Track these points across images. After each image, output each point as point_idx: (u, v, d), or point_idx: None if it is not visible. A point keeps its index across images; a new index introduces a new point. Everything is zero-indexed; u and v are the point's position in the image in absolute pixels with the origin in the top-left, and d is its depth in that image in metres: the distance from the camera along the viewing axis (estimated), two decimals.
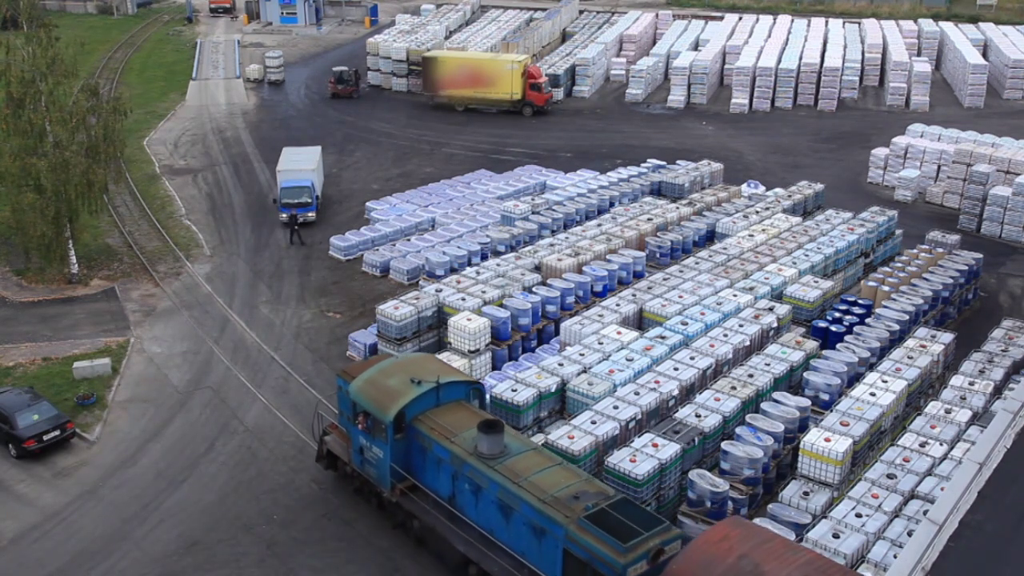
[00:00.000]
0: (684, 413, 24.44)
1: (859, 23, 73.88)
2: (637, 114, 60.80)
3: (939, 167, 46.14)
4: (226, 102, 61.85)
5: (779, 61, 62.40)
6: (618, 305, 30.17)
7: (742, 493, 22.57)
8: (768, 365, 26.57)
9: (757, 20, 75.11)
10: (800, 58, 62.71)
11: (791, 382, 26.86)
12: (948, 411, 24.69)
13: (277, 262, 38.95)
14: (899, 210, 39.95)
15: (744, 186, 43.36)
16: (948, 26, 71.22)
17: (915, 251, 35.14)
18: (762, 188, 43.14)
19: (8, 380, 30.06)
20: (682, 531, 20.02)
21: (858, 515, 21.09)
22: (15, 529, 23.98)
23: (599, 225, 37.01)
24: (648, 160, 47.17)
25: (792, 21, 73.80)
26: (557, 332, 30.40)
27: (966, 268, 33.52)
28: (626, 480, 21.97)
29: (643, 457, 22.41)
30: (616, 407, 24.36)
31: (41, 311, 34.91)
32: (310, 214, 42.01)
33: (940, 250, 35.35)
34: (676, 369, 26.22)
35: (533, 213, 38.59)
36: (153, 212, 43.70)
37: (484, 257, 35.65)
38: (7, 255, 38.67)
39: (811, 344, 28.04)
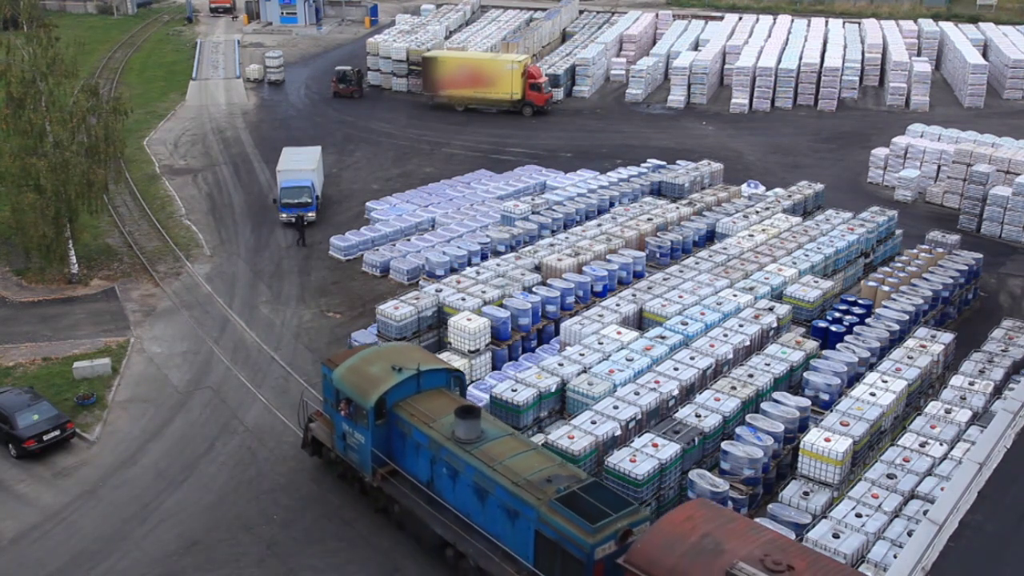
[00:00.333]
0: (684, 413, 24.45)
1: (859, 23, 73.89)
2: (637, 114, 60.80)
3: (939, 167, 46.15)
4: (226, 102, 61.86)
5: (779, 61, 62.41)
6: (618, 305, 30.18)
7: (742, 493, 22.57)
8: (768, 365, 26.57)
9: (757, 20, 75.13)
10: (800, 58, 62.72)
11: (791, 382, 26.87)
12: (948, 411, 24.70)
13: (277, 262, 38.96)
14: (899, 210, 39.96)
15: (744, 186, 43.37)
16: (948, 26, 71.23)
17: (915, 251, 35.15)
18: (762, 188, 43.15)
19: (8, 380, 30.07)
20: (650, 513, 20.31)
21: (858, 515, 21.09)
22: (15, 529, 23.98)
23: (599, 225, 37.02)
24: (648, 160, 47.18)
25: (792, 21, 73.82)
26: (557, 332, 30.40)
27: (966, 268, 33.52)
28: (626, 480, 21.97)
29: (643, 457, 22.41)
30: (616, 407, 24.37)
31: (41, 311, 34.91)
32: (310, 214, 42.00)
33: (940, 250, 35.35)
34: (676, 369, 26.22)
35: (533, 213, 38.59)
36: (153, 212, 43.71)
37: (484, 257, 35.66)
38: (7, 255, 38.67)
39: (811, 344, 28.05)
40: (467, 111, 59.85)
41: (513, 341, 29.78)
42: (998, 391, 25.79)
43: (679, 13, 79.20)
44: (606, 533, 18.61)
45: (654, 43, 72.74)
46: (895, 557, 18.92)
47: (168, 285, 36.80)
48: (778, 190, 42.38)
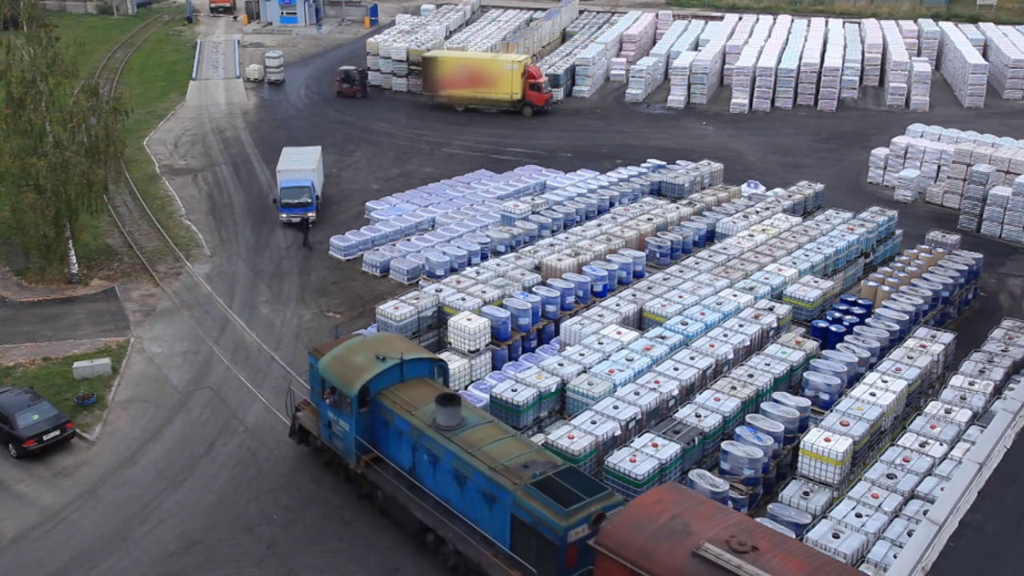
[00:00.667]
0: (684, 413, 24.45)
1: (859, 23, 73.88)
2: (637, 114, 60.80)
3: (939, 167, 46.15)
4: (226, 102, 61.85)
5: (779, 61, 62.40)
6: (618, 305, 30.18)
7: (742, 493, 22.58)
8: (768, 365, 26.58)
9: (757, 20, 75.12)
10: (800, 58, 62.71)
11: (791, 382, 26.87)
12: (948, 411, 24.70)
13: (277, 262, 38.96)
14: (899, 210, 39.97)
15: (744, 186, 43.37)
16: (948, 26, 71.22)
17: (915, 251, 35.15)
18: (762, 188, 43.14)
19: (8, 380, 30.06)
20: (624, 498, 20.56)
21: (858, 515, 21.10)
22: (15, 529, 23.98)
23: (599, 225, 37.02)
24: (648, 160, 47.18)
25: (792, 21, 73.81)
26: (557, 332, 30.40)
27: (966, 268, 33.53)
28: (626, 480, 21.98)
29: (643, 457, 22.41)
30: (616, 407, 24.37)
31: (41, 311, 34.91)
32: (310, 214, 42.00)
33: (940, 250, 35.36)
34: (676, 369, 26.23)
35: (533, 213, 38.59)
36: (153, 212, 43.70)
37: (484, 257, 35.66)
38: (7, 255, 38.66)
39: (811, 344, 28.05)
40: (467, 111, 59.84)
41: (513, 341, 29.78)
42: (998, 391, 25.79)
43: (679, 13, 79.19)
44: (579, 516, 19.08)
45: (654, 43, 72.73)
46: (895, 557, 18.93)
47: (168, 285, 36.80)
48: (778, 190, 42.38)
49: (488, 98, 59.28)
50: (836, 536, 20.48)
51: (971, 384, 25.89)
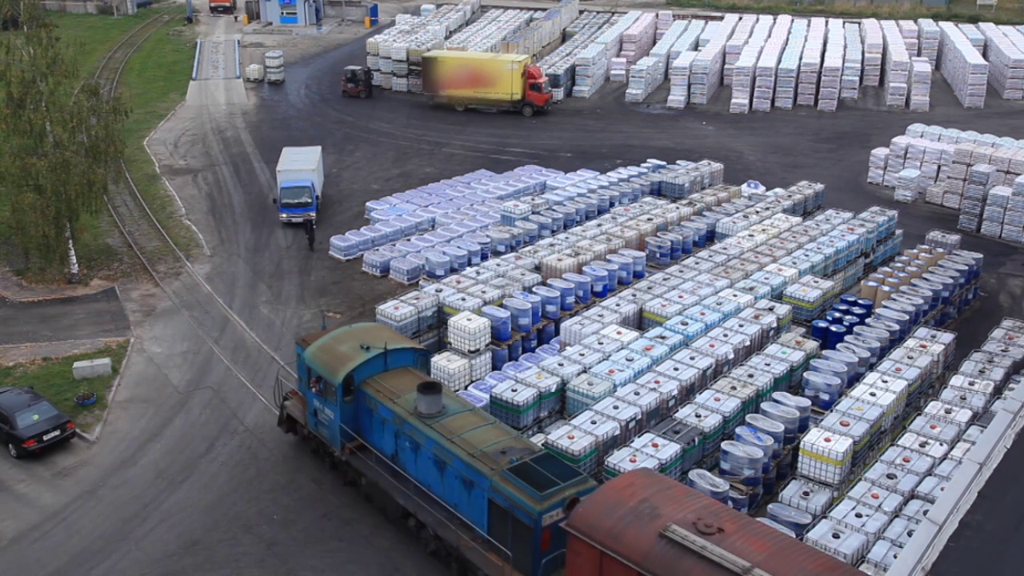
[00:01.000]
0: (684, 413, 24.45)
1: (859, 23, 73.88)
2: (637, 114, 60.80)
3: (939, 167, 46.15)
4: (226, 102, 61.86)
5: (779, 61, 62.40)
6: (618, 305, 30.18)
7: (742, 493, 22.58)
8: (768, 365, 26.58)
9: (757, 20, 75.11)
10: (800, 58, 62.72)
11: (791, 382, 26.87)
12: (948, 411, 24.70)
13: (277, 262, 38.96)
14: (899, 210, 39.99)
15: (744, 186, 43.37)
16: (948, 26, 71.22)
17: (915, 251, 35.15)
18: (762, 188, 43.15)
19: (8, 380, 30.06)
20: (597, 483, 20.79)
21: (858, 515, 21.10)
22: (15, 529, 23.99)
23: (599, 225, 37.02)
24: (648, 160, 47.17)
25: (792, 21, 73.81)
26: (557, 332, 30.40)
27: (966, 268, 33.53)
28: None
29: (643, 457, 22.40)
30: (616, 407, 24.37)
31: (41, 311, 34.91)
32: (310, 214, 42.00)
33: (940, 250, 35.36)
34: (676, 369, 26.22)
35: (533, 213, 38.59)
36: (153, 212, 43.71)
37: (484, 257, 35.66)
38: (7, 255, 38.67)
39: (811, 344, 28.05)
40: (467, 111, 59.85)
41: (513, 341, 29.78)
42: (998, 391, 25.79)
43: (679, 13, 79.18)
44: (553, 501, 19.53)
45: (654, 43, 72.74)
46: (895, 557, 18.94)
47: (168, 285, 36.80)
48: (778, 190, 42.39)
49: (488, 98, 59.29)
50: (836, 536, 20.49)
51: (971, 384, 25.88)
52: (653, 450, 22.69)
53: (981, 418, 24.33)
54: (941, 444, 23.38)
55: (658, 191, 42.77)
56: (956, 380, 26.28)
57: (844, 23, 73.93)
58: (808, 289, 31.25)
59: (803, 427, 24.47)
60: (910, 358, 27.07)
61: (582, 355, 27.16)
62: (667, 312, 29.54)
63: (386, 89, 65.38)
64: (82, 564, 22.83)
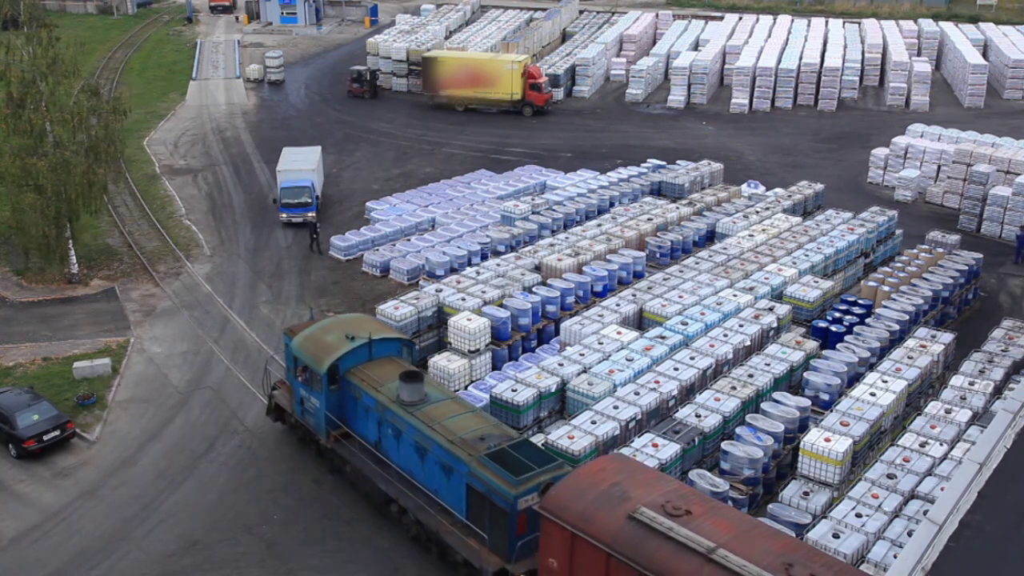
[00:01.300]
0: (684, 413, 24.45)
1: (859, 23, 73.87)
2: (637, 114, 60.80)
3: (939, 167, 46.14)
4: (226, 102, 61.85)
5: (779, 61, 62.38)
6: (618, 305, 30.18)
7: (742, 493, 22.58)
8: (768, 365, 26.58)
9: (757, 20, 75.10)
10: (800, 58, 62.71)
11: (791, 382, 26.87)
12: (948, 411, 24.70)
13: (277, 262, 38.96)
14: (899, 210, 39.99)
15: (744, 186, 43.37)
16: (948, 26, 71.20)
17: (915, 251, 35.15)
18: (762, 188, 43.14)
19: (8, 380, 30.06)
20: (572, 469, 21.03)
21: (858, 515, 21.10)
22: (15, 529, 23.98)
23: (599, 225, 37.02)
24: (648, 160, 47.17)
25: (792, 21, 73.79)
26: (557, 332, 30.40)
27: (966, 268, 33.53)
28: None
29: (643, 457, 22.39)
30: (616, 407, 24.37)
31: (41, 311, 34.91)
32: (310, 214, 42.00)
33: (940, 250, 35.36)
34: (676, 369, 26.23)
35: (533, 213, 38.59)
36: (153, 212, 43.71)
37: (484, 257, 35.65)
38: (7, 255, 38.67)
39: (811, 344, 28.05)
40: (467, 111, 59.84)
41: (513, 341, 29.78)
42: (998, 391, 25.79)
43: (679, 13, 79.17)
44: (529, 485, 19.99)
45: (654, 43, 72.71)
46: (895, 557, 18.94)
47: (168, 285, 36.80)
48: (778, 190, 42.39)
49: (488, 98, 59.29)
50: (836, 536, 20.49)
51: (971, 384, 25.88)
52: (653, 450, 22.69)
53: (981, 418, 24.33)
54: (941, 444, 23.38)
55: (658, 191, 42.77)
56: (956, 380, 26.28)
57: (844, 23, 73.91)
58: (808, 289, 31.25)
59: (803, 427, 24.47)
60: (910, 358, 27.08)
61: (582, 355, 27.16)
62: (667, 312, 29.54)
63: (386, 89, 65.34)
64: (82, 564, 22.83)
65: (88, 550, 23.25)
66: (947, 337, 28.59)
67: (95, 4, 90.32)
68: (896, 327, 29.12)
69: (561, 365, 26.73)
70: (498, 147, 53.36)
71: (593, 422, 23.79)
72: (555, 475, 20.17)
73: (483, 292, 30.84)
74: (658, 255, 35.19)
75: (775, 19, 75.12)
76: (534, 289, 31.50)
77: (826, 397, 25.65)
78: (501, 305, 30.33)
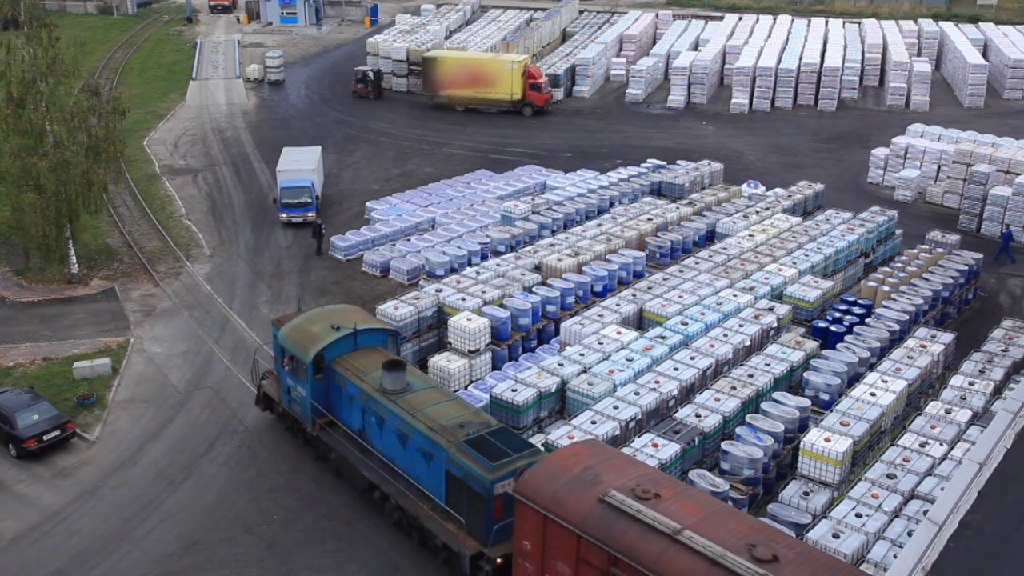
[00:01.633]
0: (684, 413, 24.45)
1: (859, 23, 73.87)
2: (637, 114, 60.80)
3: (939, 167, 46.14)
4: (226, 102, 61.86)
5: (779, 61, 62.39)
6: (618, 305, 30.18)
7: (742, 493, 22.58)
8: (768, 365, 26.58)
9: (757, 20, 75.10)
10: (800, 58, 62.71)
11: (791, 382, 26.87)
12: (948, 411, 24.70)
13: (277, 262, 38.96)
14: (899, 210, 40.00)
15: (744, 186, 43.37)
16: (948, 26, 71.21)
17: (915, 251, 35.15)
18: (762, 188, 43.15)
19: (8, 380, 30.06)
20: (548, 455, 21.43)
21: (858, 515, 21.10)
22: (15, 529, 23.98)
23: (599, 225, 37.02)
24: (648, 160, 47.17)
25: (792, 21, 73.79)
26: (557, 332, 30.40)
27: (966, 268, 33.53)
28: None
29: (643, 457, 22.38)
30: (616, 407, 24.37)
31: (41, 311, 34.91)
32: (310, 214, 42.01)
33: (940, 250, 35.36)
34: (676, 369, 26.23)
35: (533, 213, 38.59)
36: (153, 212, 43.71)
37: (484, 257, 35.66)
38: (7, 255, 38.67)
39: (811, 344, 28.05)
40: (467, 111, 59.85)
41: (513, 341, 29.78)
42: (998, 391, 25.79)
43: (679, 13, 79.18)
44: (505, 471, 20.47)
45: (654, 43, 72.72)
46: (895, 557, 18.94)
47: (168, 285, 36.81)
48: (778, 190, 42.39)
49: (488, 98, 59.29)
50: (836, 536, 20.49)
51: (971, 384, 25.89)
52: (653, 450, 22.69)
53: (981, 418, 24.33)
54: (941, 444, 23.38)
55: (658, 191, 42.77)
56: (956, 380, 26.28)
57: (844, 23, 73.91)
58: (808, 289, 31.25)
59: (803, 427, 24.47)
60: (910, 358, 27.08)
61: (582, 355, 27.16)
62: (667, 312, 29.54)
63: (386, 89, 65.32)
64: (82, 564, 22.83)
65: (88, 550, 23.26)
66: (947, 337, 28.59)
67: (95, 4, 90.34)
68: (896, 327, 29.12)
69: (561, 365, 26.73)
70: (498, 147, 53.36)
71: (593, 422, 23.79)
72: (531, 461, 20.56)
73: (483, 292, 30.84)
74: (658, 255, 35.19)
75: (775, 19, 75.12)
76: (534, 289, 31.50)
77: (826, 397, 25.65)
78: (501, 305, 30.33)
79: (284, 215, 41.94)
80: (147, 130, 55.71)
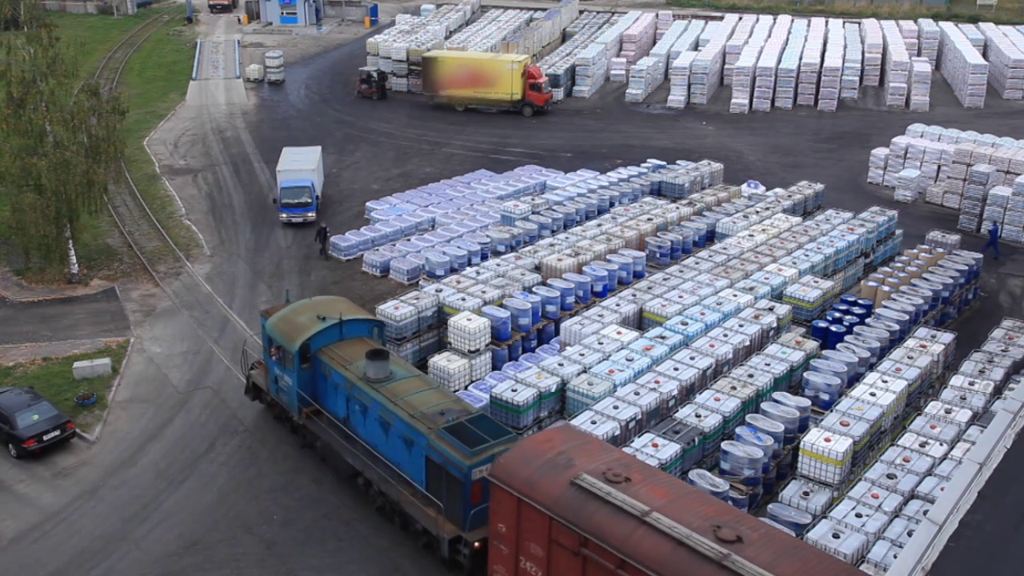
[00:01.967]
0: (684, 413, 24.45)
1: (859, 23, 73.87)
2: (637, 114, 60.80)
3: (939, 167, 46.14)
4: (226, 102, 61.86)
5: (779, 61, 62.38)
6: (618, 305, 30.18)
7: (742, 493, 22.58)
8: (768, 365, 26.58)
9: (757, 20, 75.10)
10: (800, 58, 62.70)
11: (791, 382, 26.87)
12: (948, 411, 24.70)
13: (277, 262, 38.96)
14: (899, 210, 39.99)
15: (744, 186, 43.37)
16: (948, 26, 71.21)
17: (915, 251, 35.15)
18: (762, 188, 43.14)
19: (8, 380, 30.07)
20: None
21: (858, 515, 21.10)
22: (15, 529, 23.99)
23: (599, 225, 37.01)
24: (648, 160, 47.17)
25: (792, 21, 73.78)
26: (557, 332, 30.40)
27: (966, 268, 33.53)
28: None
29: (643, 457, 22.37)
30: (616, 407, 24.37)
31: (41, 311, 34.92)
32: (310, 214, 42.02)
33: (940, 250, 35.36)
34: (676, 369, 26.22)
35: (533, 213, 38.59)
36: (153, 212, 43.71)
37: (484, 257, 35.65)
38: (7, 255, 38.67)
39: (811, 344, 28.05)
40: (467, 111, 59.85)
41: (513, 341, 29.78)
42: (998, 391, 25.79)
43: (679, 13, 79.18)
44: (482, 456, 20.98)
45: (654, 43, 72.71)
46: (895, 557, 18.94)
47: (168, 285, 36.81)
48: (778, 190, 42.38)
49: (488, 98, 59.29)
50: (836, 536, 20.49)
51: (971, 384, 25.88)
52: (653, 450, 22.69)
53: (981, 418, 24.33)
54: (941, 444, 23.38)
55: (658, 191, 42.77)
56: (956, 380, 26.28)
57: (844, 23, 73.91)
58: (808, 289, 31.25)
59: (803, 427, 24.47)
60: (910, 358, 27.08)
61: (582, 355, 27.16)
62: (667, 312, 29.54)
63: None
64: (82, 564, 22.84)
65: (88, 550, 23.26)
66: (947, 337, 28.59)
67: (95, 4, 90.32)
68: (896, 327, 29.12)
69: (561, 365, 26.73)
70: (498, 147, 53.36)
71: (593, 422, 23.79)
72: (508, 447, 20.95)
73: (483, 292, 30.84)
74: (658, 255, 35.19)
75: (775, 19, 75.11)
76: (534, 289, 31.50)
77: (826, 397, 25.65)
78: (501, 305, 30.33)
79: (284, 215, 41.94)
80: (147, 130, 55.71)
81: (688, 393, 25.70)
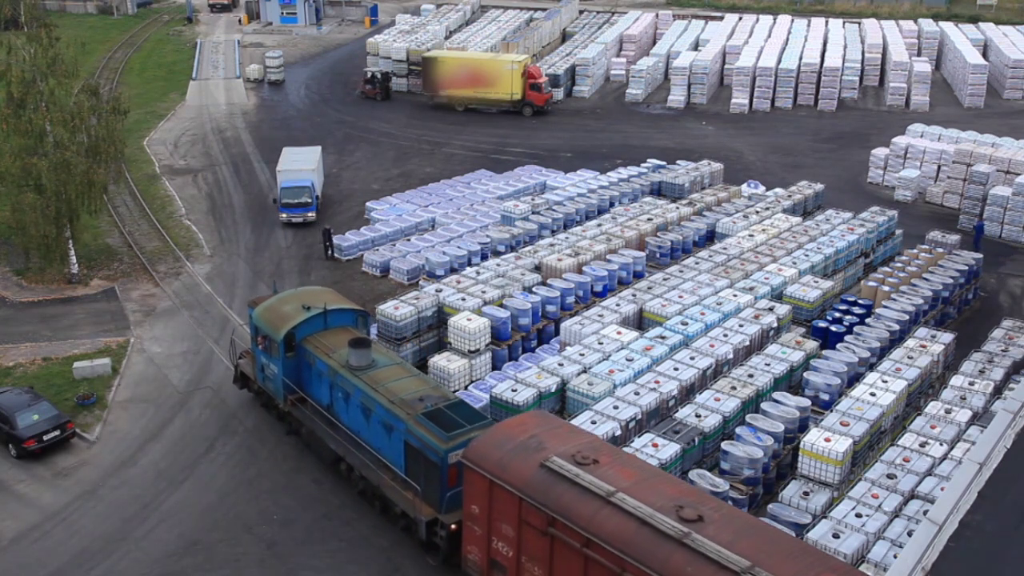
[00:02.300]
0: (684, 413, 24.45)
1: (859, 23, 73.89)
2: (637, 114, 60.80)
3: (939, 167, 46.14)
4: (226, 102, 61.86)
5: (779, 61, 62.39)
6: (618, 305, 30.18)
7: (742, 493, 22.58)
8: (768, 365, 26.58)
9: (757, 20, 75.12)
10: (800, 58, 62.71)
11: (791, 382, 26.87)
12: (948, 411, 24.70)
13: (277, 262, 38.96)
14: (899, 210, 39.99)
15: (744, 186, 43.37)
16: (948, 26, 71.22)
17: (915, 251, 35.15)
18: (762, 188, 43.14)
19: (8, 380, 30.06)
20: None
21: (858, 515, 21.10)
22: (15, 529, 23.99)
23: (599, 225, 37.01)
24: (648, 160, 47.17)
25: (792, 21, 73.81)
26: (557, 332, 30.40)
27: (966, 268, 33.53)
28: None
29: (643, 457, 22.37)
30: (616, 407, 24.37)
31: (41, 311, 34.91)
32: (310, 214, 42.02)
33: (940, 250, 35.36)
34: (676, 369, 26.23)
35: (533, 213, 38.58)
36: (153, 212, 43.71)
37: (484, 257, 35.65)
38: (7, 255, 38.66)
39: (811, 344, 28.05)
40: (467, 111, 59.85)
41: (513, 341, 29.78)
42: (998, 391, 25.79)
43: (679, 13, 79.19)
44: (459, 441, 21.47)
45: (654, 43, 72.73)
46: (895, 557, 18.94)
47: (168, 285, 36.81)
48: (778, 190, 42.39)
49: (488, 98, 59.29)
50: (836, 536, 20.49)
51: (971, 384, 25.89)
52: (653, 450, 22.69)
53: (981, 418, 24.33)
54: (941, 444, 23.38)
55: (658, 191, 42.77)
56: (956, 380, 26.28)
57: (844, 23, 73.93)
58: (808, 289, 31.25)
59: (803, 427, 24.47)
60: (910, 358, 27.08)
61: (582, 355, 27.17)
62: (667, 312, 29.54)
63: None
64: (82, 564, 22.83)
65: (88, 550, 23.26)
66: (947, 337, 28.59)
67: (95, 4, 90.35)
68: (896, 327, 29.12)
69: (561, 365, 26.73)
70: (498, 147, 53.36)
71: (593, 422, 23.79)
72: (484, 432, 21.29)
73: (483, 292, 30.84)
74: (658, 255, 35.19)
75: (775, 19, 75.14)
76: (534, 289, 31.50)
77: (826, 397, 25.65)
78: (501, 305, 30.33)
79: (284, 215, 41.94)
80: (147, 130, 55.71)
81: (688, 393, 25.70)
